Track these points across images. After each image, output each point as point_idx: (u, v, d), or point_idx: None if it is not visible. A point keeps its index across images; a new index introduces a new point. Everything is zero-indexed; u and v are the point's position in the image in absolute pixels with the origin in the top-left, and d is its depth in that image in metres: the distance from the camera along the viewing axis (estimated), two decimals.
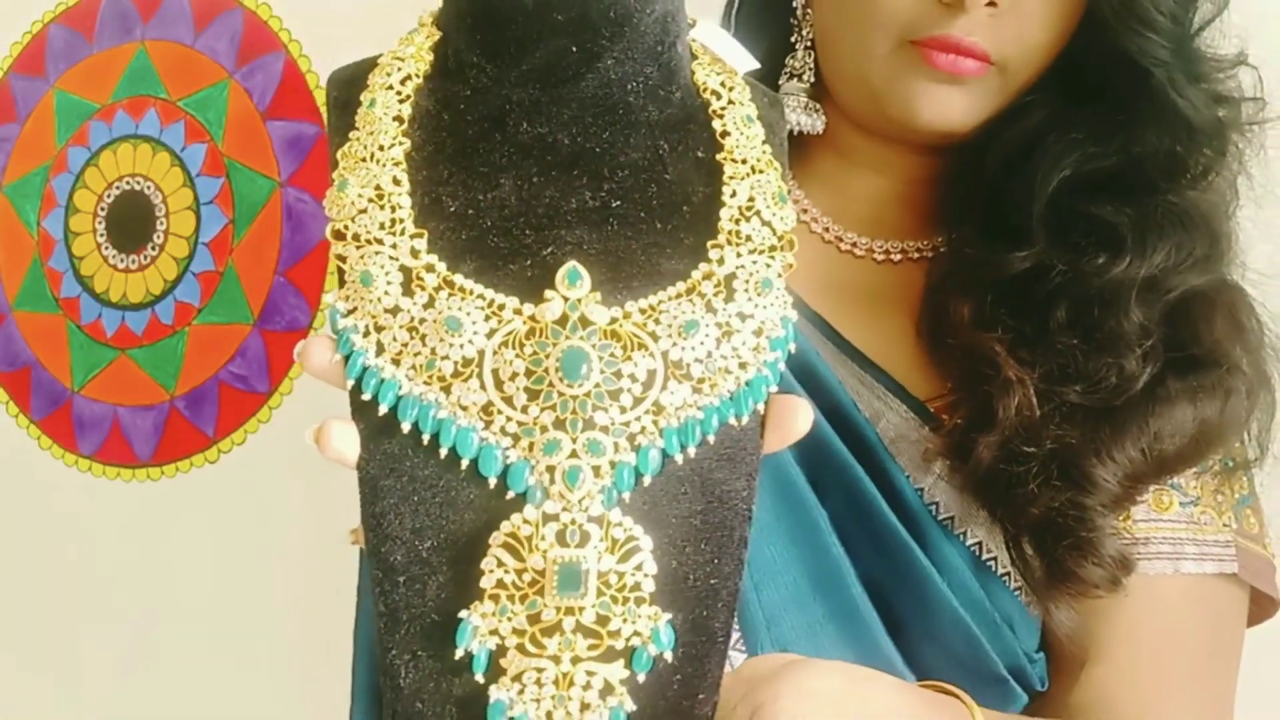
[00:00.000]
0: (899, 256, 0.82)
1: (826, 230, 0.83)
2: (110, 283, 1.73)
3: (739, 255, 0.51)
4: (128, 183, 1.72)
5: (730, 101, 0.55)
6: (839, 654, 0.69)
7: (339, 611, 1.63)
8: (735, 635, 0.66)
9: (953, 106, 0.74)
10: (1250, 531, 0.76)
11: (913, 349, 0.77)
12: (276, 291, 1.62)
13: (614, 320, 0.49)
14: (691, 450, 0.49)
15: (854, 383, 0.76)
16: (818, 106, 0.81)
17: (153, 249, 1.70)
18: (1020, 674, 0.73)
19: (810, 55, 0.80)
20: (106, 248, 1.73)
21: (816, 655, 0.61)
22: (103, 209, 1.74)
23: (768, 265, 0.51)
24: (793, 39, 0.81)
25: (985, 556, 0.74)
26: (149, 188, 1.70)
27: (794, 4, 0.81)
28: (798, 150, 0.84)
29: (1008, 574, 0.74)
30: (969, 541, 0.74)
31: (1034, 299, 0.74)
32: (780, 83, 0.81)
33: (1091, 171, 0.74)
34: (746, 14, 0.86)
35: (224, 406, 1.65)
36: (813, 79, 0.81)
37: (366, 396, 0.50)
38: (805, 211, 0.83)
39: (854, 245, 0.82)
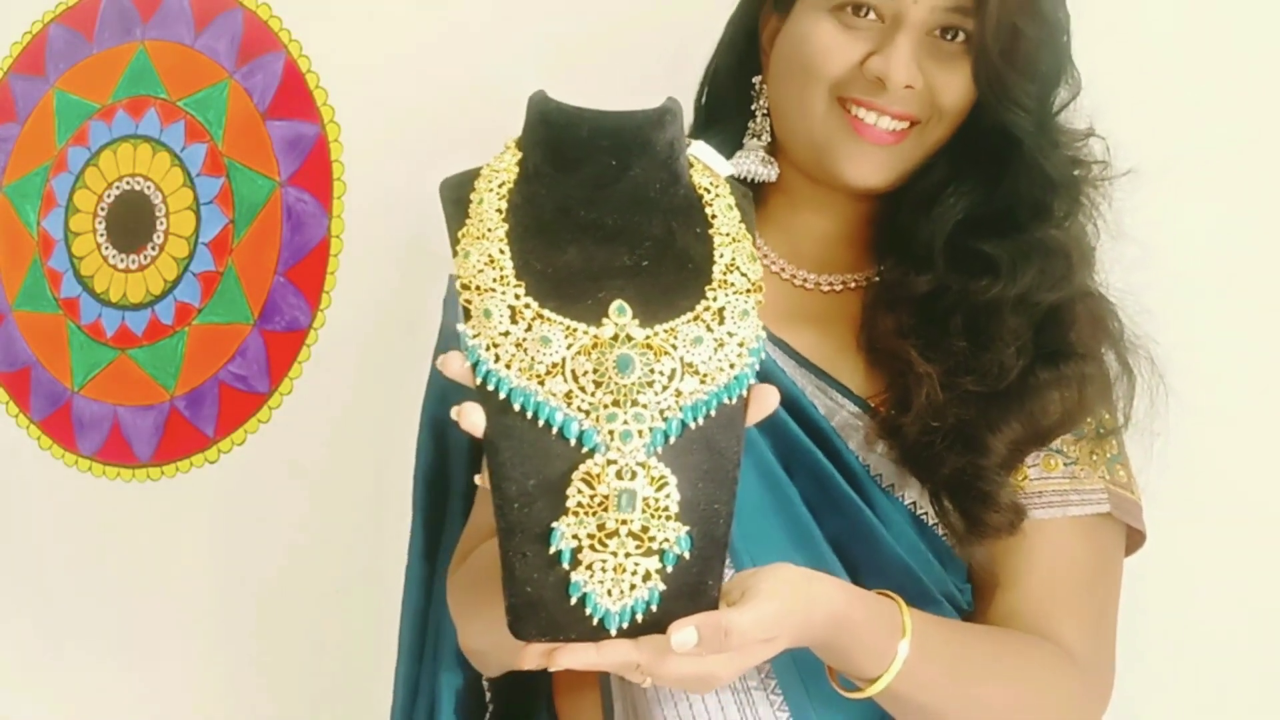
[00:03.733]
0: (840, 287, 1.03)
1: (783, 270, 1.04)
2: (110, 283, 1.73)
3: (727, 295, 0.76)
4: (128, 183, 1.72)
5: (716, 195, 0.80)
6: None
7: (338, 610, 1.63)
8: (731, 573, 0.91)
9: (874, 168, 0.96)
10: (1121, 481, 0.99)
11: (855, 359, 1.00)
12: (276, 291, 1.62)
13: (648, 337, 0.74)
14: (700, 420, 0.73)
15: (812, 389, 0.98)
16: (772, 160, 1.02)
17: (153, 249, 1.70)
18: (950, 597, 0.96)
19: (766, 120, 1.02)
20: (106, 248, 1.73)
21: None
22: (103, 209, 1.74)
23: (745, 301, 0.77)
24: (753, 107, 1.03)
25: (919, 513, 0.97)
26: (149, 188, 1.70)
27: (753, 81, 1.03)
28: (756, 198, 1.02)
29: (936, 524, 0.97)
30: (906, 502, 0.97)
31: (937, 313, 0.97)
32: (744, 141, 1.03)
33: (979, 216, 0.97)
34: (717, 90, 1.07)
35: (224, 406, 1.65)
36: (769, 139, 1.02)
37: (490, 388, 0.73)
38: (765, 256, 1.04)
39: (805, 281, 1.04)
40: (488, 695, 1.04)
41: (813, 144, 0.97)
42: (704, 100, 1.08)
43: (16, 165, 1.80)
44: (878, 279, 1.02)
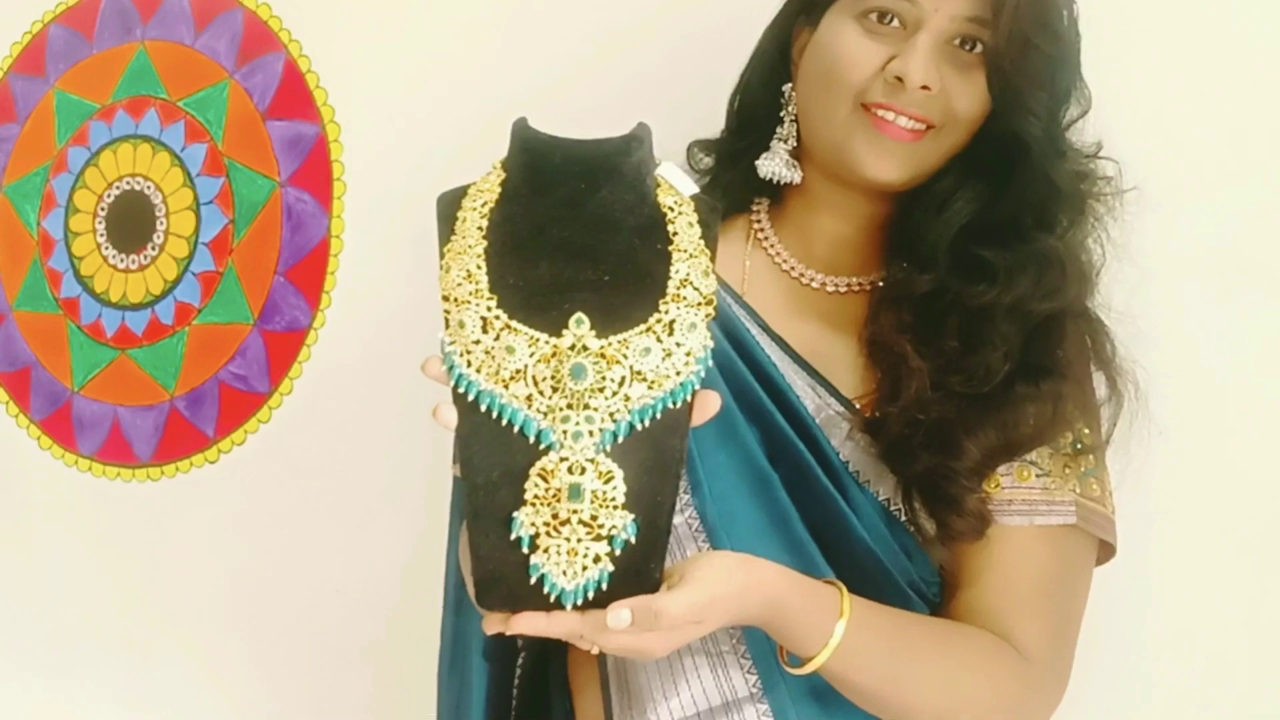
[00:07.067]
0: (844, 289, 1.08)
1: (793, 269, 1.10)
2: (110, 283, 1.73)
3: (678, 309, 0.83)
4: (128, 183, 1.72)
5: (679, 213, 0.87)
6: None
7: (337, 610, 1.63)
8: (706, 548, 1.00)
9: (892, 164, 1.00)
10: (1093, 495, 1.02)
11: (850, 359, 1.05)
12: (276, 291, 1.62)
13: (602, 347, 0.82)
14: (647, 422, 0.81)
15: (804, 385, 1.04)
16: (795, 163, 1.08)
17: (153, 249, 1.70)
18: (915, 587, 1.02)
19: (794, 125, 1.07)
20: (106, 248, 1.74)
21: None
22: (103, 209, 1.74)
23: (695, 314, 0.84)
24: (781, 114, 1.08)
25: (892, 508, 1.02)
26: (149, 188, 1.70)
27: (783, 89, 1.09)
28: (777, 203, 1.13)
29: (907, 520, 1.02)
30: (880, 497, 1.02)
31: (935, 313, 1.01)
32: (771, 144, 1.09)
33: (984, 221, 1.02)
34: (749, 98, 1.13)
35: (224, 406, 1.65)
36: (795, 143, 1.08)
37: (461, 391, 0.82)
38: (778, 254, 1.11)
39: (812, 280, 1.09)
40: (520, 641, 1.11)
41: (835, 143, 1.02)
42: (737, 107, 1.14)
43: (16, 165, 1.80)
44: (881, 284, 1.07)
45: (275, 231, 1.62)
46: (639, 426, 0.81)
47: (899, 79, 0.97)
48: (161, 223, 1.70)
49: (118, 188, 1.73)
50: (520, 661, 1.11)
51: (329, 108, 1.59)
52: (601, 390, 0.81)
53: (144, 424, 1.70)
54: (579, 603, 0.80)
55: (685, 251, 0.85)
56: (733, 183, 1.13)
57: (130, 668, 1.74)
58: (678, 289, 0.84)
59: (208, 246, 1.66)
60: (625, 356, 0.82)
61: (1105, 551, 1.04)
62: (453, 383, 0.82)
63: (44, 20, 1.80)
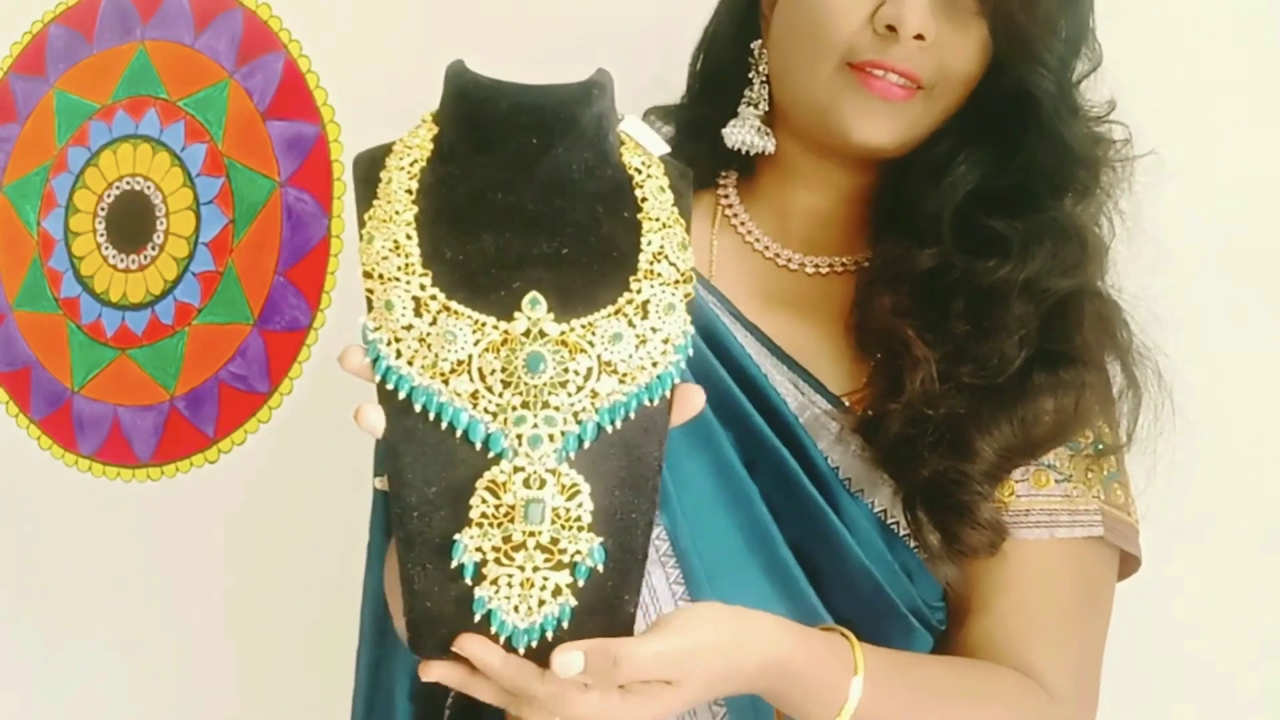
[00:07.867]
0: (827, 270, 0.97)
1: (767, 249, 0.98)
2: (110, 283, 1.73)
3: (652, 287, 0.71)
4: (128, 183, 1.72)
5: (648, 176, 0.74)
6: (770, 602, 0.85)
7: (337, 610, 1.63)
8: (680, 589, 0.87)
9: (883, 126, 0.88)
10: (1117, 502, 0.91)
11: (835, 350, 0.94)
12: (276, 291, 1.62)
13: (563, 333, 0.68)
14: (618, 424, 0.68)
15: (784, 381, 0.92)
16: (769, 130, 0.96)
17: (153, 249, 1.70)
18: (920, 615, 0.89)
19: (765, 87, 0.95)
20: (106, 248, 1.73)
21: (752, 604, 0.77)
22: (103, 209, 1.74)
23: (672, 294, 0.71)
24: (750, 75, 0.96)
25: (889, 521, 0.91)
26: (149, 188, 1.70)
27: (751, 46, 0.97)
28: (747, 175, 1.01)
29: (908, 535, 0.90)
30: (876, 508, 0.91)
31: (937, 293, 0.90)
32: (739, 109, 0.97)
33: (991, 189, 0.90)
34: (714, 57, 1.02)
35: (224, 406, 1.65)
36: (766, 107, 0.96)
37: (389, 387, 0.70)
38: (750, 233, 0.99)
39: (789, 260, 0.98)
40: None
41: (817, 105, 0.90)
42: (700, 68, 1.03)
43: (16, 165, 1.80)
44: (868, 263, 0.96)
45: (275, 231, 1.61)
46: (609, 429, 0.68)
47: (890, 27, 0.85)
48: (161, 223, 1.69)
49: (118, 188, 1.73)
50: (449, 702, 0.97)
51: (329, 108, 1.59)
52: (564, 385, 0.68)
53: (144, 424, 1.70)
54: (532, 645, 0.67)
55: (658, 220, 0.72)
56: (697, 154, 0.99)
57: (130, 668, 1.74)
58: (650, 264, 0.71)
59: (208, 246, 1.66)
60: (591, 344, 0.68)
61: (1127, 564, 0.94)
62: (379, 377, 0.71)
63: (44, 20, 1.79)
